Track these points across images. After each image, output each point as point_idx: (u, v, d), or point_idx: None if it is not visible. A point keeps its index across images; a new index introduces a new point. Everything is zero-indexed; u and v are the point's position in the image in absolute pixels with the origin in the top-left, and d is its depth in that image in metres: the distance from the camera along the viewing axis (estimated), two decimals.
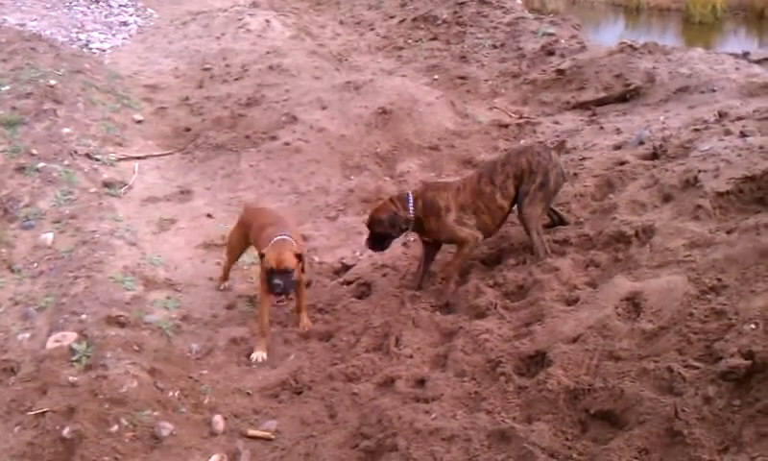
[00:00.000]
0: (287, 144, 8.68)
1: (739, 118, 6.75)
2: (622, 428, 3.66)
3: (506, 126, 9.08)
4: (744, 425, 3.33)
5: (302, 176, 8.24)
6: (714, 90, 8.39)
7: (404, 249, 6.41)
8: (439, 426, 4.06)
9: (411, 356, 4.89)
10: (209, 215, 7.57)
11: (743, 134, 6.17)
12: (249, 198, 7.85)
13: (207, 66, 12.15)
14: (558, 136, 8.21)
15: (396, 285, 5.85)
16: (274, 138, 8.89)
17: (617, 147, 7.22)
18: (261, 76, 11.06)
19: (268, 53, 12.25)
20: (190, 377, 5.09)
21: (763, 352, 3.62)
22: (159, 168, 8.71)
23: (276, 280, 5.14)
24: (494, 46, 12.01)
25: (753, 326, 3.86)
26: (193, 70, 12.17)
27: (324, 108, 9.38)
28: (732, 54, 10.53)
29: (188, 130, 9.77)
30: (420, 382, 4.62)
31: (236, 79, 11.30)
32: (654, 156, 6.57)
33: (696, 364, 3.84)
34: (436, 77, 10.94)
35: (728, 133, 6.39)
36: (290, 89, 10.22)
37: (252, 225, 5.80)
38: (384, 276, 6.03)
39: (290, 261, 5.18)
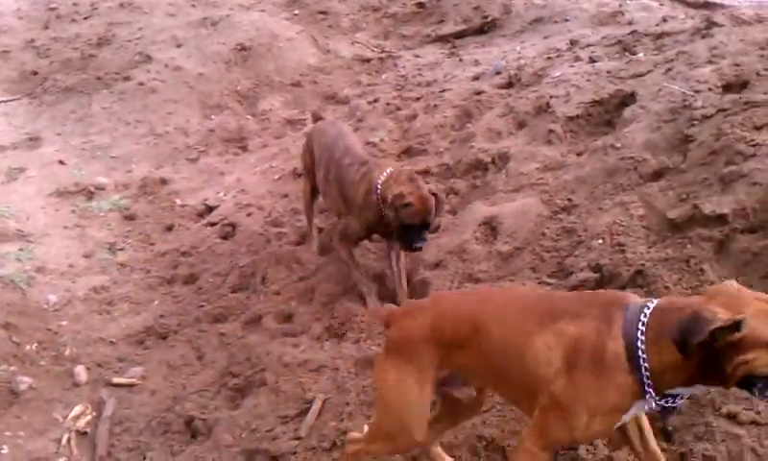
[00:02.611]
0: (142, 84, 8.30)
1: (589, 45, 7.00)
2: None
3: (368, 60, 9.04)
4: None
5: (159, 117, 7.92)
6: (567, 20, 8.62)
7: (269, 188, 6.31)
8: (307, 358, 4.10)
9: (278, 293, 4.87)
10: (61, 162, 7.18)
11: (592, 60, 6.41)
12: (103, 142, 7.49)
13: (53, 5, 11.33)
14: (419, 69, 8.27)
15: (261, 224, 5.77)
16: (127, 79, 8.47)
17: (476, 78, 7.34)
18: (111, 14, 10.45)
19: None
20: (48, 330, 4.87)
21: (610, 265, 3.84)
22: (7, 114, 8.16)
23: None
24: None
25: (600, 241, 4.08)
26: (37, 10, 11.32)
27: (179, 45, 9.01)
28: None
29: (35, 73, 9.15)
30: (288, 317, 4.62)
31: (85, 18, 10.62)
32: (509, 85, 6.73)
33: (549, 280, 4.03)
34: (296, 12, 10.71)
35: (578, 59, 6.62)
36: (143, 27, 9.72)
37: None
38: (249, 215, 5.93)
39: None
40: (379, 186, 4.36)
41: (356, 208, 4.56)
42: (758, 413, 2.75)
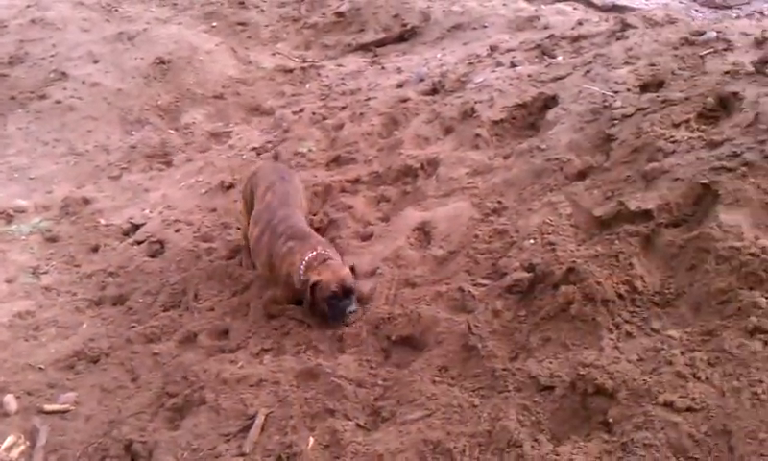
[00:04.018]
0: (58, 103, 8.07)
1: (509, 50, 7.15)
2: (422, 350, 3.84)
3: (290, 71, 9.02)
4: (531, 333, 3.60)
5: (79, 135, 7.71)
6: (486, 26, 8.80)
7: (197, 202, 6.21)
8: (246, 374, 4.03)
9: (212, 309, 4.80)
10: None
11: (513, 65, 6.55)
12: (20, 163, 7.24)
13: None
14: (343, 79, 8.29)
15: (191, 240, 5.67)
16: (43, 97, 8.22)
17: (400, 85, 7.40)
18: (23, 31, 10.11)
19: (28, 6, 11.22)
20: None
21: (543, 265, 3.92)
22: None
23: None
24: None
25: (532, 241, 4.16)
26: None
27: (96, 61, 8.80)
28: None
29: None
30: (224, 333, 4.56)
31: None
32: (434, 91, 6.82)
33: (484, 282, 4.09)
34: (214, 24, 10.59)
35: (499, 64, 6.76)
36: (57, 44, 9.45)
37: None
38: (177, 232, 5.82)
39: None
40: (301, 274, 4.41)
41: (281, 283, 4.57)
42: (693, 400, 2.85)
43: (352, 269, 4.42)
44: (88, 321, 5.12)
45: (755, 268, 3.27)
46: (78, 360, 4.73)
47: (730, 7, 9.79)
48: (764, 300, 3.14)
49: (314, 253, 4.46)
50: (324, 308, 4.27)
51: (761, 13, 7.55)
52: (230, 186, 6.27)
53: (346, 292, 4.22)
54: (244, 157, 6.82)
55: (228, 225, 5.72)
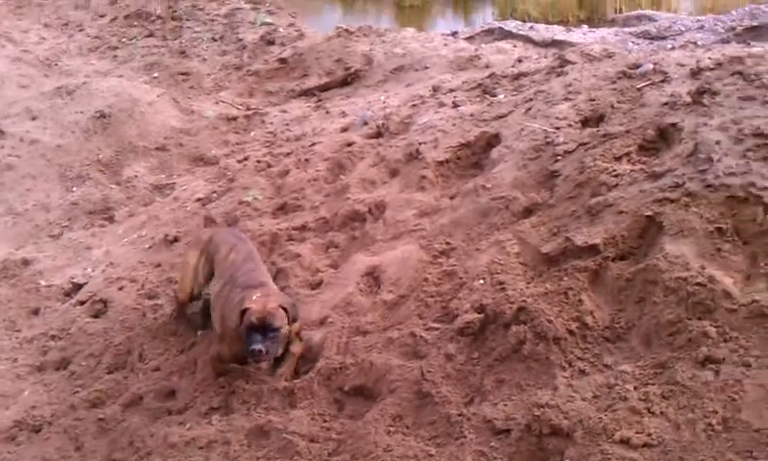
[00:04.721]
0: None
1: (451, 90, 7.19)
2: (376, 400, 3.76)
3: (234, 119, 8.94)
4: (484, 375, 3.56)
5: (17, 194, 7.49)
6: (427, 67, 8.86)
7: (140, 258, 6.06)
8: (195, 435, 3.91)
9: (158, 369, 4.65)
10: None
11: (455, 105, 6.58)
12: None
13: None
14: (287, 124, 8.25)
15: (135, 298, 5.52)
16: None
17: (344, 129, 7.38)
18: None
19: None
20: None
21: (493, 304, 3.89)
22: None
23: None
24: (214, 39, 11.76)
25: (481, 281, 4.13)
26: None
27: (34, 118, 8.60)
28: (443, 34, 11.19)
29: None
30: (171, 394, 4.41)
31: None
32: (378, 134, 6.80)
33: (435, 325, 4.04)
34: (155, 75, 10.48)
35: (442, 105, 6.78)
36: None
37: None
38: (121, 289, 5.65)
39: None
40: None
41: (228, 336, 4.37)
42: (649, 435, 2.83)
43: (287, 309, 4.17)
44: (30, 388, 4.93)
45: (702, 298, 3.30)
46: (19, 430, 4.55)
47: (664, 38, 10.08)
48: (713, 329, 3.16)
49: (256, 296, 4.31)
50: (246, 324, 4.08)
51: (695, 44, 7.74)
52: (175, 240, 6.13)
53: (263, 327, 4.02)
54: (188, 208, 6.69)
55: (173, 280, 5.57)
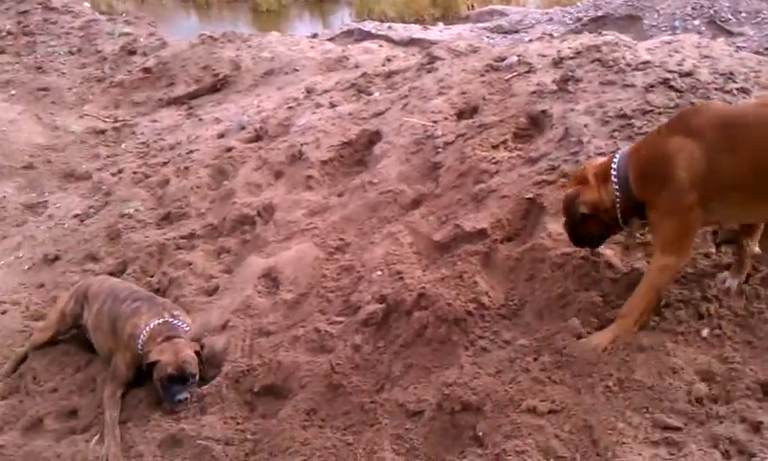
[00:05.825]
0: None
1: (326, 91, 7.30)
2: (287, 397, 3.82)
3: (103, 132, 8.68)
4: (392, 362, 3.70)
5: None
6: (297, 70, 8.93)
7: (20, 280, 5.81)
8: (103, 453, 3.83)
9: (55, 390, 4.50)
10: None
11: (332, 105, 6.70)
12: None
13: None
14: (160, 134, 8.08)
15: (20, 321, 5.29)
16: None
17: (221, 135, 7.34)
18: None
19: None
20: None
21: (394, 294, 4.03)
22: None
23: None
24: (71, 52, 11.32)
25: (379, 272, 4.27)
26: None
27: None
28: (308, 37, 11.28)
29: None
30: (73, 413, 4.29)
31: None
32: (258, 138, 6.82)
33: (339, 319, 4.14)
34: (13, 92, 9.97)
35: (318, 105, 6.88)
36: None
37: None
38: (4, 313, 5.39)
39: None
40: (140, 343, 4.26)
41: (122, 347, 4.35)
42: (553, 402, 3.04)
43: (199, 352, 4.23)
44: None
45: (587, 270, 3.57)
46: None
47: (517, 31, 10.61)
48: (600, 298, 3.43)
49: (161, 320, 4.34)
50: (158, 389, 4.09)
51: (551, 36, 8.22)
52: (56, 258, 5.92)
53: (183, 378, 4.04)
54: (66, 225, 6.46)
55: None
